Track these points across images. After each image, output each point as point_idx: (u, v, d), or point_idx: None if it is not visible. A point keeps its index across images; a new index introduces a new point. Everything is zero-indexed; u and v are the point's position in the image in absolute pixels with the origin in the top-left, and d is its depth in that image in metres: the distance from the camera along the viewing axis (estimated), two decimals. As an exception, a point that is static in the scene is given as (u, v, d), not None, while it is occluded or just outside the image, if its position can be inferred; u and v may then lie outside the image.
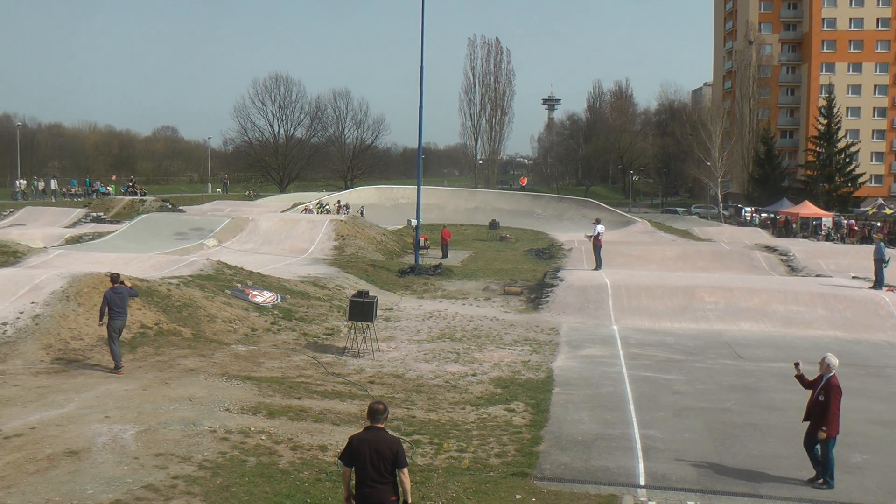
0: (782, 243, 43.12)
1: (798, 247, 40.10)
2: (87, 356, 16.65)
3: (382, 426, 7.61)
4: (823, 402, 10.98)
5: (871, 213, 65.67)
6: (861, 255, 33.96)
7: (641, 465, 11.57)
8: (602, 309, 24.76)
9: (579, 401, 15.06)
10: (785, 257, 36.73)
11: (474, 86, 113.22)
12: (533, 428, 13.19)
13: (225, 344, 19.01)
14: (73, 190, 72.50)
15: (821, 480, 10.95)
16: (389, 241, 43.77)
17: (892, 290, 25.86)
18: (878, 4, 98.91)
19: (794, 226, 63.32)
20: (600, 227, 30.82)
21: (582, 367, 18.08)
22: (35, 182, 72.03)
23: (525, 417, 13.85)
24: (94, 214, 53.80)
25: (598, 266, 30.34)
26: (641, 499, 10.48)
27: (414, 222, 38.57)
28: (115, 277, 16.30)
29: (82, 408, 12.96)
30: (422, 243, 38.75)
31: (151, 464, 10.60)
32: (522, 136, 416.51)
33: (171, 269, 25.87)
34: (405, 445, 8.93)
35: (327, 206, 59.75)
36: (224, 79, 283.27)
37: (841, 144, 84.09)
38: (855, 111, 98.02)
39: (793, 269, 34.65)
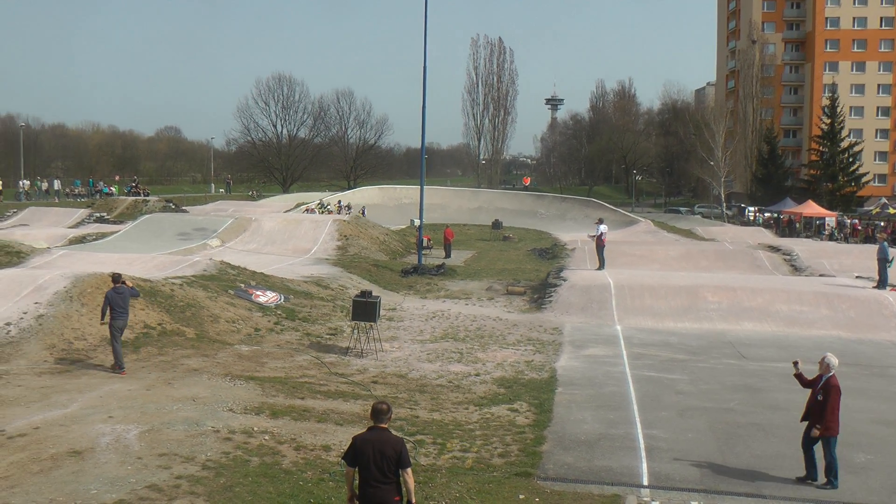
0: (786, 243, 43.05)
1: (801, 246, 40.03)
2: (90, 356, 16.66)
3: (386, 426, 7.61)
4: (822, 401, 10.98)
5: (874, 212, 65.55)
6: (864, 255, 33.92)
7: (645, 465, 11.56)
8: (605, 309, 24.74)
9: (583, 401, 15.05)
10: (788, 257, 36.68)
11: (477, 85, 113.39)
12: (536, 428, 13.19)
13: (228, 344, 19.03)
14: (76, 190, 72.58)
15: (824, 480, 10.92)
16: (392, 241, 43.77)
17: (896, 290, 25.81)
18: (882, 4, 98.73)
19: (798, 225, 63.22)
20: (603, 227, 30.83)
21: (585, 366, 18.07)
22: (38, 182, 72.12)
23: (528, 417, 13.84)
24: (98, 215, 53.85)
25: (602, 266, 30.35)
26: (645, 499, 10.47)
27: (417, 222, 38.60)
28: (116, 277, 16.31)
29: (86, 408, 12.97)
30: (425, 243, 38.74)
31: (155, 464, 10.60)
32: (525, 135, 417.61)
33: (174, 269, 25.88)
34: (409, 445, 8.93)
35: (328, 207, 59.76)
36: (227, 79, 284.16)
37: (844, 144, 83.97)
38: (858, 110, 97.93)
39: (796, 269, 34.59)
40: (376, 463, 7.39)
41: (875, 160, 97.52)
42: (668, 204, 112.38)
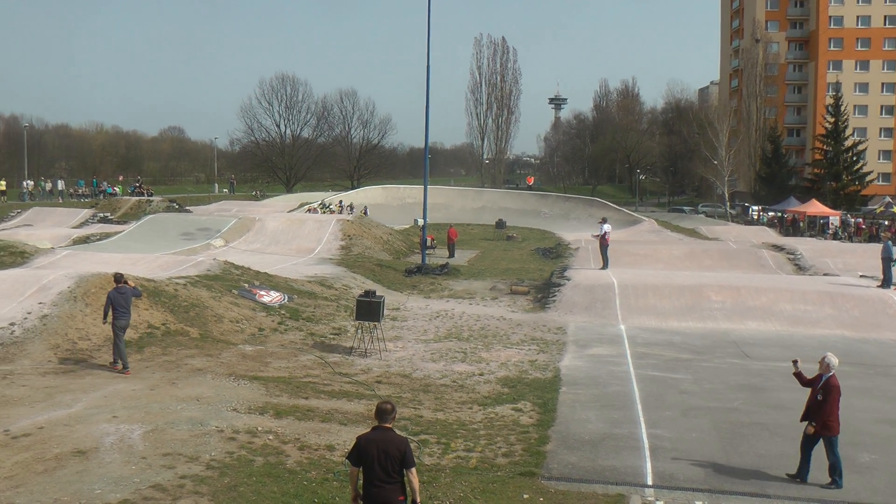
0: (789, 242, 43.00)
1: (805, 245, 39.98)
2: (94, 356, 16.69)
3: (390, 426, 7.61)
4: (822, 401, 10.97)
5: (878, 211, 65.56)
6: (869, 254, 33.85)
7: (649, 465, 11.55)
8: (609, 308, 24.72)
9: (586, 400, 15.05)
10: (792, 256, 36.62)
11: (480, 85, 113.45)
12: (540, 427, 13.18)
13: (232, 344, 19.04)
14: (80, 190, 72.72)
15: (828, 481, 10.91)
16: (396, 240, 43.77)
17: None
18: (886, 2, 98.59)
19: (802, 224, 63.11)
20: (607, 227, 30.80)
21: (589, 366, 18.05)
22: (42, 183, 72.28)
23: (532, 417, 13.84)
24: (102, 215, 53.94)
25: (605, 265, 30.32)
26: (649, 498, 10.47)
27: (420, 222, 38.56)
28: (118, 277, 16.37)
29: (90, 408, 12.99)
30: (428, 243, 38.74)
31: (159, 463, 10.61)
32: (529, 135, 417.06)
33: (178, 269, 25.91)
34: (413, 445, 8.93)
35: (330, 206, 59.76)
36: (229, 79, 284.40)
37: (848, 143, 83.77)
38: (862, 109, 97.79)
39: (800, 268, 34.54)
40: (380, 462, 7.39)
41: (879, 159, 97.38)
42: (671, 203, 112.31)
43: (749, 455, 12.07)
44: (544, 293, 27.37)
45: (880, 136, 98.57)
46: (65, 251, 32.55)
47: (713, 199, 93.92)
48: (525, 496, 10.37)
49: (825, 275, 31.67)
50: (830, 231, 59.73)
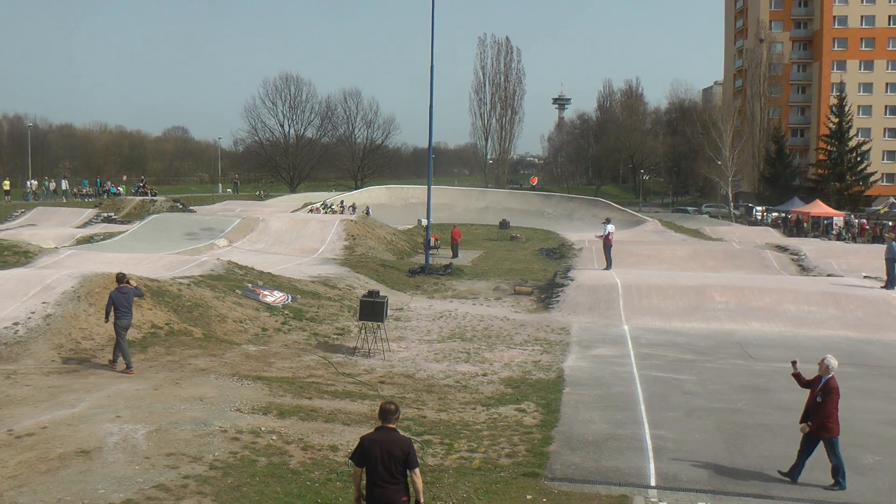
0: (793, 243, 42.94)
1: (809, 246, 39.92)
2: (98, 356, 16.71)
3: (394, 426, 7.62)
4: (821, 403, 10.96)
5: (882, 211, 65.38)
6: (872, 255, 33.79)
7: (652, 466, 11.54)
8: (612, 309, 24.70)
9: (590, 401, 15.04)
10: (796, 257, 36.57)
11: (484, 85, 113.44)
12: (543, 428, 13.18)
13: (236, 344, 19.05)
14: (84, 190, 72.79)
15: (832, 482, 10.90)
16: (400, 240, 43.78)
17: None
18: (890, 2, 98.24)
19: (805, 225, 63.05)
20: (611, 227, 30.76)
21: (592, 366, 18.04)
22: (46, 182, 72.39)
23: (536, 417, 13.83)
24: (105, 215, 54.05)
25: (609, 266, 30.29)
26: (652, 499, 10.46)
27: (424, 222, 38.59)
28: (120, 278, 16.42)
29: (93, 407, 13.01)
30: (432, 243, 38.71)
31: (162, 463, 10.63)
32: (533, 135, 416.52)
33: (181, 269, 25.94)
34: (416, 445, 8.93)
35: (332, 207, 59.78)
36: (231, 79, 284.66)
37: (852, 143, 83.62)
38: (866, 109, 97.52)
39: (804, 269, 34.48)
40: (384, 463, 7.39)
41: (883, 159, 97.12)
42: (675, 203, 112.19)
43: (752, 456, 12.05)
44: (548, 294, 27.36)
45: (884, 136, 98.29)
46: (68, 251, 32.61)
47: (717, 199, 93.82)
48: (528, 497, 10.37)
49: (829, 276, 31.61)
50: (834, 232, 59.64)
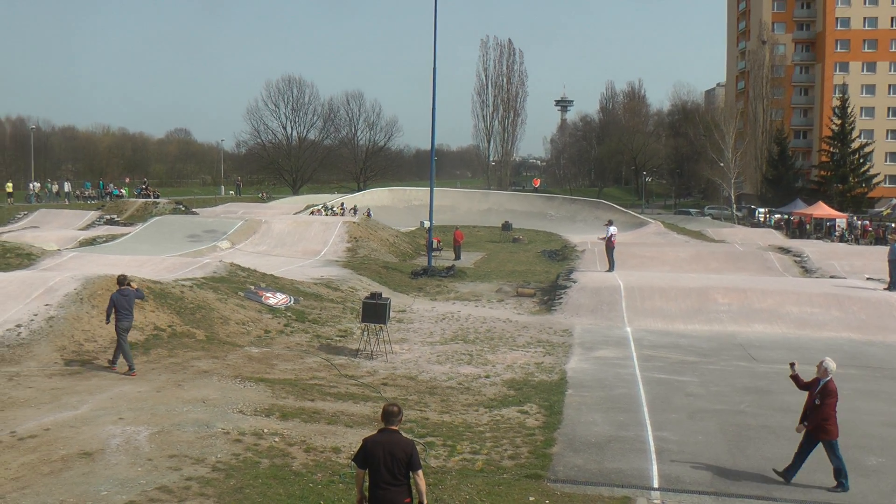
0: (796, 244, 42.91)
1: (812, 248, 39.90)
2: (100, 358, 16.71)
3: (396, 428, 7.61)
4: (819, 405, 10.96)
5: (885, 213, 65.38)
6: (875, 257, 33.78)
7: (655, 468, 11.53)
8: (615, 310, 24.69)
9: (593, 403, 15.03)
10: (798, 258, 36.54)
11: (487, 87, 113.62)
12: (546, 430, 13.17)
13: (238, 346, 19.06)
14: (86, 192, 72.81)
15: (834, 484, 10.88)
16: (402, 242, 43.77)
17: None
18: (893, 3, 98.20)
19: (808, 227, 63.04)
20: (613, 229, 30.78)
21: (595, 368, 18.03)
22: (49, 185, 72.36)
23: (538, 419, 13.82)
24: (108, 217, 54.05)
25: (612, 267, 30.30)
26: (655, 501, 10.45)
27: (427, 224, 38.59)
28: (121, 280, 16.45)
29: (96, 409, 13.02)
30: (435, 245, 38.74)
31: (165, 465, 10.63)
32: (535, 137, 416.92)
33: (184, 271, 25.95)
34: (419, 447, 8.93)
35: (333, 209, 59.80)
36: (232, 81, 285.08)
37: (855, 145, 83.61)
38: (869, 111, 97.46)
39: (806, 271, 34.46)
40: (386, 465, 7.39)
41: (886, 161, 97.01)
42: (677, 205, 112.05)
43: (755, 458, 12.04)
44: (550, 295, 27.35)
45: (887, 137, 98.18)
46: (71, 253, 32.60)
47: (719, 201, 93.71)
48: (531, 498, 10.36)
49: (832, 277, 31.60)
50: (837, 233, 59.62)
